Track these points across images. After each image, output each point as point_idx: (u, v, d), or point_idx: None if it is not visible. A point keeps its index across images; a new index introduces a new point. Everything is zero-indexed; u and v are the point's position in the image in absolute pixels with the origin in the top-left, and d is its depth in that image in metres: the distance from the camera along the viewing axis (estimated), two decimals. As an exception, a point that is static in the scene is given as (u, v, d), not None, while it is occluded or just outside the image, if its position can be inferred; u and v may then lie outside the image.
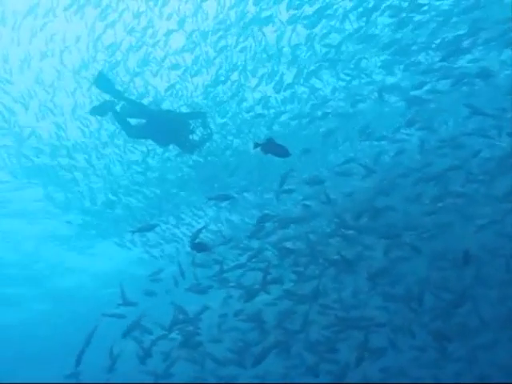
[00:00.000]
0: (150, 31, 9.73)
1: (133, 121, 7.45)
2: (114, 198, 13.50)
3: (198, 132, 7.51)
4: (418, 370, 10.37)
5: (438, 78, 8.47)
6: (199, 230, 7.04)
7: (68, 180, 13.21)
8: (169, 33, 9.64)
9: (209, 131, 7.53)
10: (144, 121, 7.55)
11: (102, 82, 6.88)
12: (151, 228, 7.04)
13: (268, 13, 9.31)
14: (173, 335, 8.15)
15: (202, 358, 9.12)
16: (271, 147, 4.82)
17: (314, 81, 10.28)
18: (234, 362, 9.10)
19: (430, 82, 8.81)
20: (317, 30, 9.37)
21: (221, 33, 9.66)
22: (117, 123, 9.17)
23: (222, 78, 10.17)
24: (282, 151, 4.84)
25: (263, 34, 9.67)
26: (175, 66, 10.16)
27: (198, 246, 6.44)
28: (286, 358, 9.37)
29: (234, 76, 10.34)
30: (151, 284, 9.11)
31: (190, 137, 7.45)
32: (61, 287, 19.74)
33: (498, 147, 9.02)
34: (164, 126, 7.29)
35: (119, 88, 7.68)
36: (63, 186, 13.54)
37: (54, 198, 14.17)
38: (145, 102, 10.38)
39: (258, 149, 5.02)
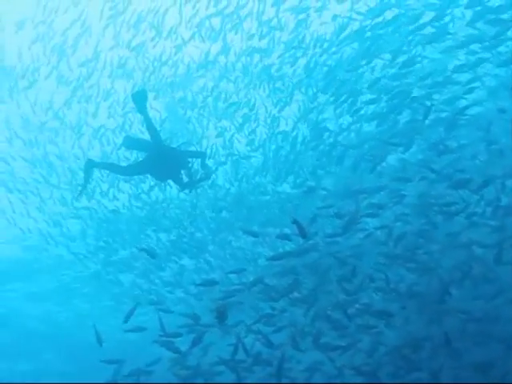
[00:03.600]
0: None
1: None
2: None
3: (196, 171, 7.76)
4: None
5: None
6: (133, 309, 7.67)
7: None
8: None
9: (207, 170, 7.78)
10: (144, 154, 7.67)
11: (140, 99, 7.03)
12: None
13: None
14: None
15: None
16: (298, 224, 6.76)
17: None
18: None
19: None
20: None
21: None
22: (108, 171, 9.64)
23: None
24: (302, 232, 6.73)
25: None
26: None
27: (221, 315, 6.57)
28: None
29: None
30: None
31: (189, 175, 7.73)
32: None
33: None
34: (165, 162, 7.48)
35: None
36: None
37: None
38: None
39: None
